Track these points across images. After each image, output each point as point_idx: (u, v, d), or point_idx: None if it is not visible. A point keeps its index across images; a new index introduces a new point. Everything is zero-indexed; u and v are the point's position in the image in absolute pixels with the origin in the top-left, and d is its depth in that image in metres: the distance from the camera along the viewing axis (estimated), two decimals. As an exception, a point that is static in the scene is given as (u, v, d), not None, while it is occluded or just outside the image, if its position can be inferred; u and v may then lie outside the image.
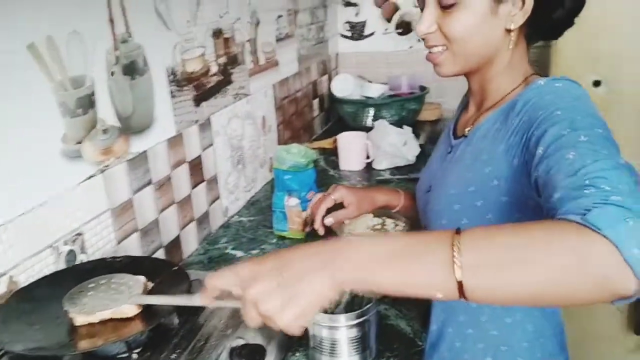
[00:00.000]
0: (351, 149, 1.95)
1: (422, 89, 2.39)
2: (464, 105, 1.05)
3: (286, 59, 2.04)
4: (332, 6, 2.59)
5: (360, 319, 0.91)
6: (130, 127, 1.15)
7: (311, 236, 1.36)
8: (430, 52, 0.91)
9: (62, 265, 0.97)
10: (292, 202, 1.39)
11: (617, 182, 0.57)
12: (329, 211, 1.20)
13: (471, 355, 0.95)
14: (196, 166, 1.42)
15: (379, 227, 1.45)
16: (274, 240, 1.45)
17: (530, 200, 0.78)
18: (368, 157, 1.94)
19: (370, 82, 2.45)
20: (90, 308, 0.78)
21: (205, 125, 1.45)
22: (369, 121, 2.26)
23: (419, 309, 1.10)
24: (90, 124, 1.04)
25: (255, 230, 1.52)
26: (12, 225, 0.87)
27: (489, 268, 0.54)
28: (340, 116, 2.42)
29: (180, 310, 0.86)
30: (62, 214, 0.97)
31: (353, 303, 1.01)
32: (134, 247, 1.17)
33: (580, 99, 0.76)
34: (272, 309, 0.59)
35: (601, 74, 2.02)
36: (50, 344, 0.75)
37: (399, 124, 2.04)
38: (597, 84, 2.02)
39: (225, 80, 1.56)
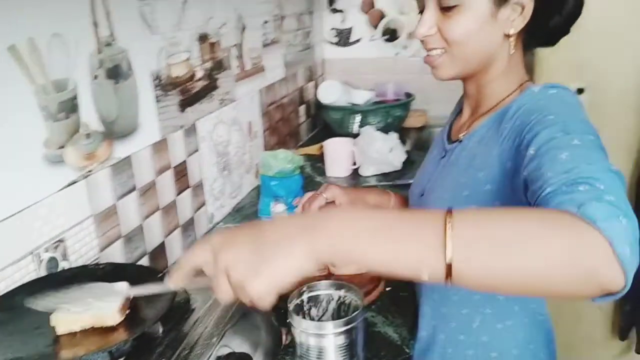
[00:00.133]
0: (338, 155, 1.94)
1: (408, 95, 2.39)
2: (458, 110, 1.05)
3: (272, 64, 2.03)
4: (318, 12, 2.59)
5: (348, 327, 0.90)
6: (114, 131, 1.13)
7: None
8: (428, 55, 0.90)
9: (43, 273, 0.95)
10: (279, 208, 1.38)
11: (610, 185, 0.57)
12: None
13: (461, 361, 0.95)
14: (181, 172, 1.40)
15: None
16: (260, 247, 1.43)
17: (523, 205, 0.77)
18: (354, 164, 1.94)
19: (356, 88, 2.45)
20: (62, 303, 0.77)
21: (190, 131, 1.44)
22: (355, 128, 2.26)
23: (407, 316, 1.10)
24: (72, 128, 1.02)
25: (241, 236, 1.51)
26: (-9, 232, 0.85)
27: (481, 246, 0.52)
28: (327, 122, 2.42)
29: (164, 318, 0.84)
30: (43, 220, 0.95)
31: (340, 310, 1.00)
32: (117, 254, 1.15)
33: (573, 106, 0.77)
34: (243, 275, 0.56)
35: (585, 82, 2.05)
36: (30, 354, 0.73)
37: (384, 130, 2.04)
38: (580, 91, 2.04)
39: (211, 85, 1.55)
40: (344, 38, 2.67)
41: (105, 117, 1.10)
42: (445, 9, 0.84)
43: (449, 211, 0.54)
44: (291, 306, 0.96)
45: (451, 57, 0.88)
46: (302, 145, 2.33)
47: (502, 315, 0.92)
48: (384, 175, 1.92)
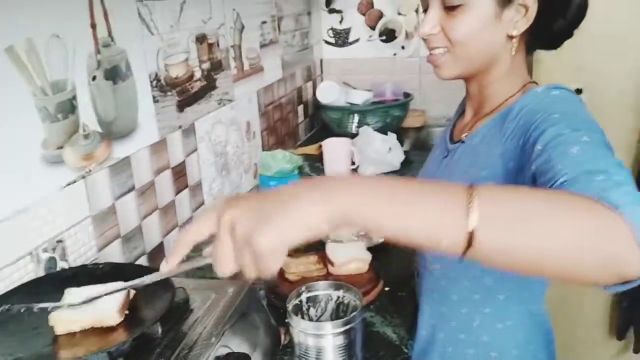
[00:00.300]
0: (336, 155, 1.94)
1: (406, 95, 2.39)
2: (461, 111, 1.05)
3: (270, 65, 2.03)
4: (316, 13, 2.59)
5: (347, 327, 0.90)
6: (112, 132, 1.13)
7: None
8: (431, 54, 0.90)
9: (42, 273, 0.95)
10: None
11: (627, 177, 0.56)
12: None
13: (461, 360, 0.95)
14: (180, 172, 1.40)
15: (363, 232, 1.45)
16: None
17: None
18: (353, 164, 1.94)
19: (354, 88, 2.45)
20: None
21: (189, 131, 1.44)
22: (353, 128, 2.26)
23: (405, 316, 1.10)
24: (71, 129, 1.02)
25: (240, 237, 1.51)
26: (-10, 232, 0.85)
27: (505, 219, 0.51)
28: (325, 122, 2.42)
29: (163, 318, 0.84)
30: (42, 221, 0.95)
31: (339, 310, 1.00)
32: (116, 254, 1.15)
33: (578, 106, 0.77)
34: (249, 227, 0.51)
35: (582, 83, 2.05)
36: (29, 354, 0.73)
37: (383, 130, 2.04)
38: (578, 92, 2.04)
39: (209, 85, 1.55)
40: (342, 38, 2.67)
41: (104, 117, 1.10)
42: (450, 8, 0.84)
43: (471, 185, 0.52)
44: (290, 306, 0.96)
45: (454, 56, 0.87)
46: (301, 145, 2.33)
47: (502, 315, 0.92)
48: (383, 175, 1.91)
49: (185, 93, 1.41)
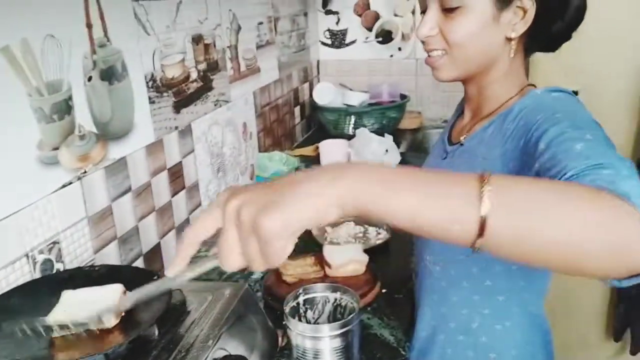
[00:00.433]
0: (333, 156, 1.94)
1: (403, 97, 2.39)
2: (459, 112, 1.04)
3: (267, 65, 2.03)
4: (312, 14, 2.59)
5: (344, 329, 0.90)
6: (108, 133, 1.13)
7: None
8: (429, 56, 0.90)
9: (37, 275, 0.94)
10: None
11: (633, 172, 0.57)
12: None
13: (461, 362, 0.95)
14: (176, 173, 1.40)
15: (360, 234, 1.45)
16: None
17: None
18: (349, 165, 1.94)
19: (351, 90, 2.45)
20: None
21: (185, 132, 1.43)
22: (350, 129, 2.26)
23: (402, 318, 1.10)
24: (67, 129, 1.01)
25: (236, 238, 1.50)
26: (-15, 234, 0.85)
27: (518, 207, 0.50)
28: (322, 124, 2.42)
29: (160, 321, 0.83)
30: (38, 222, 0.94)
31: (336, 312, 1.00)
32: (112, 256, 1.14)
33: (579, 107, 0.77)
34: (256, 210, 0.48)
35: (579, 85, 2.05)
36: (25, 356, 0.72)
37: (379, 132, 2.04)
38: (574, 94, 2.04)
39: (206, 86, 1.54)
40: (338, 39, 2.67)
41: (100, 118, 1.10)
42: (448, 10, 0.84)
43: (482, 173, 0.51)
44: (287, 308, 0.96)
45: (452, 58, 0.87)
46: (297, 147, 2.33)
47: (501, 316, 0.92)
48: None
49: (182, 94, 1.41)
